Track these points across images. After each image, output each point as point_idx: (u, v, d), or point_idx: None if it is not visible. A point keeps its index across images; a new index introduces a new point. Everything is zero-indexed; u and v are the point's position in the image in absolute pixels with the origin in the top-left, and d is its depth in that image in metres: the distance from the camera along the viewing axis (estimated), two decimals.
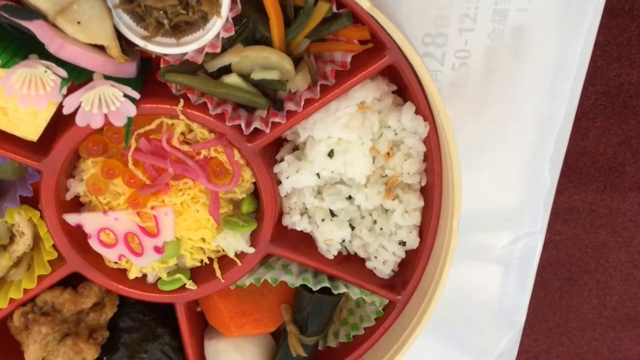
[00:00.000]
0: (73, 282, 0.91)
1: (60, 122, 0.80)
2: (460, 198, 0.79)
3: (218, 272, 0.88)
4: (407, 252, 0.89)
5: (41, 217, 0.85)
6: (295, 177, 0.83)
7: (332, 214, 0.87)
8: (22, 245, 0.88)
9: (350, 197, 0.86)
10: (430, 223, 0.86)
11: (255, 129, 0.79)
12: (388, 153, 0.82)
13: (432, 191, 0.84)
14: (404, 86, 0.81)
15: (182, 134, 0.81)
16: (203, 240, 0.87)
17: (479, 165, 0.97)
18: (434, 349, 1.12)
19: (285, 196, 0.87)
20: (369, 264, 0.91)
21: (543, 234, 1.04)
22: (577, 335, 2.09)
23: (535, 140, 0.95)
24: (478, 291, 1.09)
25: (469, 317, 1.10)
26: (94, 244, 0.85)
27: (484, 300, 1.09)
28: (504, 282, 1.08)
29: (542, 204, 1.00)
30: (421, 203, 0.85)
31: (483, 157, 0.97)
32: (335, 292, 0.88)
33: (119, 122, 0.74)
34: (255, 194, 0.87)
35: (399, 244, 0.89)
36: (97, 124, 0.74)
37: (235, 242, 0.85)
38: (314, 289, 0.87)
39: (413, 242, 0.87)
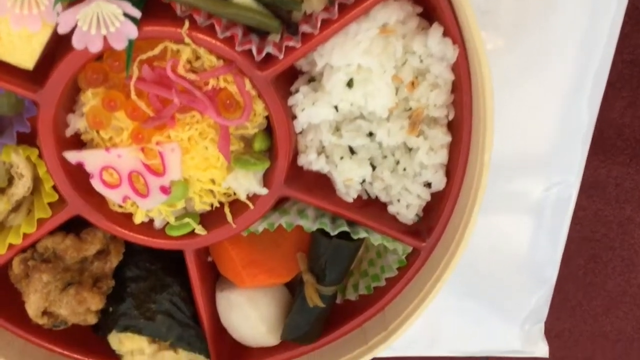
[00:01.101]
0: (76, 229, 0.86)
1: (57, 52, 0.74)
2: (492, 130, 0.72)
3: (229, 216, 0.82)
4: (432, 194, 0.82)
5: (40, 156, 0.80)
6: (312, 110, 0.76)
7: (352, 151, 0.80)
8: (21, 188, 0.83)
9: (371, 134, 0.80)
10: (458, 161, 0.79)
11: (268, 56, 0.73)
12: (412, 83, 0.75)
13: (461, 125, 0.77)
14: (430, 7, 0.74)
15: (189, 61, 0.74)
16: (212, 181, 0.81)
17: (509, 103, 0.89)
18: (458, 307, 1.06)
19: (300, 133, 0.80)
20: (391, 209, 0.84)
21: (579, 181, 0.97)
22: (600, 314, 2.03)
23: (573, 75, 0.87)
24: (506, 244, 1.02)
25: (496, 273, 1.04)
26: (96, 184, 0.80)
27: (513, 254, 1.02)
28: (535, 234, 1.01)
29: (580, 145, 0.92)
30: (448, 138, 0.78)
31: (514, 94, 0.89)
32: (355, 238, 0.82)
33: (119, 44, 0.68)
34: (268, 131, 0.80)
35: (424, 185, 0.82)
36: (95, 47, 0.68)
37: (247, 182, 0.79)
38: (332, 233, 0.81)
39: (439, 182, 0.80)
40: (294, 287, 0.93)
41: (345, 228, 0.81)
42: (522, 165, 0.95)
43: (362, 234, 0.82)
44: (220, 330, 0.92)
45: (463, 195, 0.80)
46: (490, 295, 1.05)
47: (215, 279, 0.93)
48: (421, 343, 1.09)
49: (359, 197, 0.84)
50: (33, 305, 0.84)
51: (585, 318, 2.04)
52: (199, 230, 0.83)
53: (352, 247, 0.83)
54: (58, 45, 0.73)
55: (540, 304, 1.06)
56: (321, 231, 0.83)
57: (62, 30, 0.66)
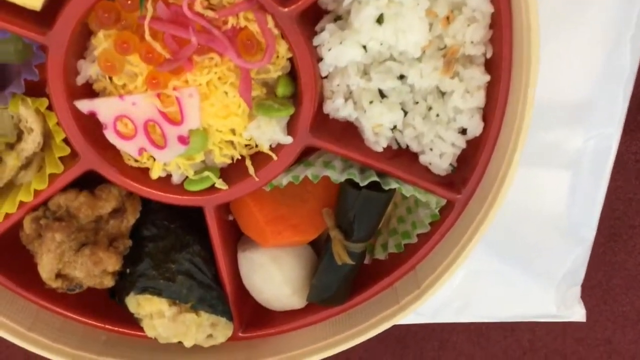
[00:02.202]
0: (90, 187, 0.81)
1: None
2: (538, 62, 0.66)
3: (251, 169, 0.77)
4: (468, 142, 0.77)
5: (49, 107, 0.75)
6: (339, 50, 0.71)
7: (382, 95, 0.75)
8: (30, 143, 0.78)
9: (401, 77, 0.74)
10: (496, 104, 0.73)
11: None
12: (447, 17, 0.70)
13: (500, 64, 0.71)
14: None
15: None
16: (233, 131, 0.76)
17: (546, 47, 0.83)
18: (490, 269, 1.00)
19: (326, 77, 0.75)
20: (423, 159, 0.79)
21: (619, 132, 0.91)
22: (620, 294, 1.98)
23: (615, 14, 0.81)
24: (542, 200, 0.96)
25: (530, 231, 0.98)
26: (110, 135, 0.75)
27: (548, 212, 0.96)
28: (572, 190, 0.95)
29: (621, 92, 0.87)
30: (486, 78, 0.73)
31: (550, 37, 0.83)
32: (386, 188, 0.76)
33: None
34: (292, 75, 0.75)
35: (459, 132, 0.77)
36: None
37: (270, 130, 0.74)
38: (362, 184, 0.76)
39: (475, 128, 0.75)
40: (318, 248, 0.88)
41: (375, 178, 0.76)
42: (559, 114, 0.89)
43: (393, 185, 0.77)
44: (242, 293, 0.88)
45: (502, 141, 0.75)
46: (523, 255, 1.00)
47: (236, 238, 0.88)
48: (450, 308, 1.04)
49: (389, 147, 0.79)
50: (46, 267, 0.80)
51: (604, 298, 1.99)
52: (220, 184, 0.78)
53: (383, 198, 0.78)
54: None
55: (577, 265, 1.01)
56: (350, 183, 0.78)
57: None
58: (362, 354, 1.37)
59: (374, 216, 0.79)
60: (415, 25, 0.69)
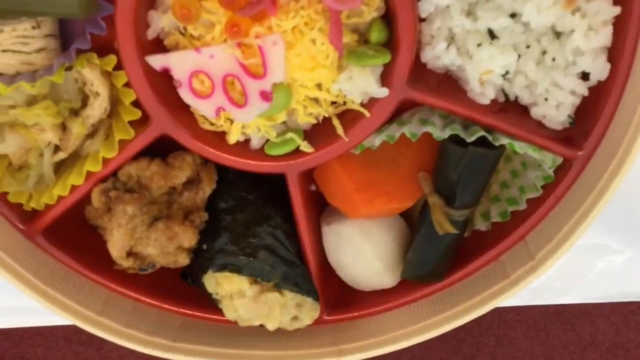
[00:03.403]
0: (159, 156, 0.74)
1: None
2: None
3: (340, 128, 0.69)
4: (590, 89, 0.67)
5: (117, 66, 0.68)
6: None
7: (492, 36, 0.65)
8: (97, 108, 0.72)
9: (512, 16, 0.65)
10: (625, 42, 0.63)
11: None
12: None
13: None
14: None
15: None
16: (319, 87, 0.68)
17: None
18: (600, 241, 0.89)
19: (424, 20, 0.66)
20: (535, 111, 0.69)
21: None
22: None
23: None
24: None
25: None
26: (185, 94, 0.68)
27: None
28: None
29: None
30: (615, 10, 0.63)
31: None
32: (496, 145, 0.67)
33: None
34: (385, 19, 0.67)
35: (579, 77, 0.67)
36: None
37: (363, 81, 0.65)
38: (468, 140, 0.67)
39: (600, 71, 0.65)
40: (408, 218, 0.79)
41: (483, 133, 0.67)
42: None
43: (504, 140, 0.67)
44: (326, 271, 0.79)
45: (632, 87, 0.65)
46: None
47: (320, 211, 0.80)
48: (551, 289, 0.94)
49: (495, 99, 0.69)
50: (117, 244, 0.73)
51: None
52: (305, 147, 0.70)
53: (493, 155, 0.68)
54: None
55: None
56: (452, 140, 0.68)
57: None
58: (417, 350, 1.29)
59: (482, 177, 0.70)
60: None
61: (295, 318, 0.77)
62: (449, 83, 0.70)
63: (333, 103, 0.70)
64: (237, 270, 0.73)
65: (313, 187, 0.78)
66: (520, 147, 0.67)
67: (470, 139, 0.67)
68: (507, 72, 0.66)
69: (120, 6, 0.63)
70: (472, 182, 0.69)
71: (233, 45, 0.64)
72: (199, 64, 0.66)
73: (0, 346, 1.09)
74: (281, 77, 0.65)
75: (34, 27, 0.68)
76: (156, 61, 0.66)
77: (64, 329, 1.06)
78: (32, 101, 0.71)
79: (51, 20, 0.69)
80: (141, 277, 0.78)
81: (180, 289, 0.80)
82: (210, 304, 0.79)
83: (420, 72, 0.68)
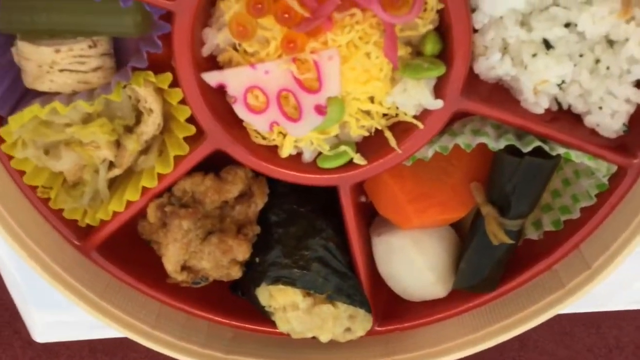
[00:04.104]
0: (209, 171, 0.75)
1: None
2: None
3: (392, 141, 0.69)
4: None
5: (171, 84, 0.69)
6: None
7: (547, 46, 0.65)
8: (151, 125, 0.73)
9: (567, 26, 0.65)
10: None
11: None
12: None
13: None
14: None
15: None
16: (371, 99, 0.68)
17: None
18: None
19: (477, 32, 0.66)
20: (589, 120, 0.69)
21: None
22: None
23: None
24: None
25: None
26: (239, 109, 0.68)
27: None
28: None
29: None
30: None
31: None
32: (553, 154, 0.67)
33: None
34: (438, 31, 0.67)
35: (634, 86, 0.66)
36: None
37: (417, 93, 0.66)
38: (524, 150, 0.67)
39: None
40: (459, 229, 0.80)
41: (539, 143, 0.67)
42: None
43: (560, 150, 0.67)
44: (377, 282, 0.80)
45: None
46: None
47: (369, 223, 0.80)
48: (621, 294, 0.91)
49: (547, 109, 0.69)
50: (172, 258, 0.74)
51: None
52: (358, 159, 0.70)
53: (549, 165, 0.68)
54: None
55: None
56: (506, 151, 0.68)
57: None
58: None
59: (538, 187, 0.69)
60: None
61: (348, 329, 0.77)
62: (500, 93, 0.70)
63: (384, 115, 0.71)
64: (291, 282, 0.74)
65: (363, 199, 0.79)
66: (576, 156, 0.67)
67: (526, 149, 0.67)
68: (562, 82, 0.66)
69: (178, 25, 0.64)
70: (527, 192, 0.69)
71: (288, 61, 0.65)
72: (254, 79, 0.66)
73: (24, 355, 1.10)
74: (336, 91, 0.66)
75: (90, 47, 0.69)
76: (212, 78, 0.67)
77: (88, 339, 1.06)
78: (87, 119, 0.72)
79: (107, 39, 0.70)
80: (193, 290, 0.79)
81: (231, 301, 0.81)
82: (262, 316, 0.79)
83: (472, 82, 0.68)
